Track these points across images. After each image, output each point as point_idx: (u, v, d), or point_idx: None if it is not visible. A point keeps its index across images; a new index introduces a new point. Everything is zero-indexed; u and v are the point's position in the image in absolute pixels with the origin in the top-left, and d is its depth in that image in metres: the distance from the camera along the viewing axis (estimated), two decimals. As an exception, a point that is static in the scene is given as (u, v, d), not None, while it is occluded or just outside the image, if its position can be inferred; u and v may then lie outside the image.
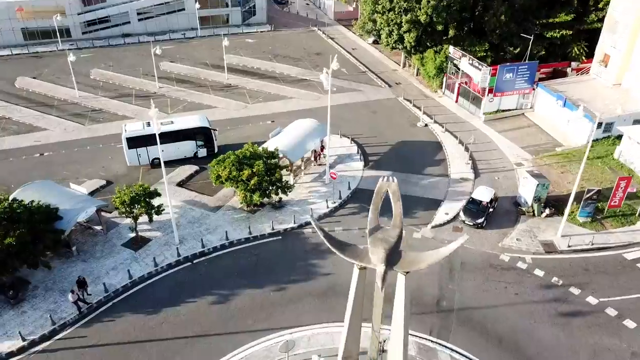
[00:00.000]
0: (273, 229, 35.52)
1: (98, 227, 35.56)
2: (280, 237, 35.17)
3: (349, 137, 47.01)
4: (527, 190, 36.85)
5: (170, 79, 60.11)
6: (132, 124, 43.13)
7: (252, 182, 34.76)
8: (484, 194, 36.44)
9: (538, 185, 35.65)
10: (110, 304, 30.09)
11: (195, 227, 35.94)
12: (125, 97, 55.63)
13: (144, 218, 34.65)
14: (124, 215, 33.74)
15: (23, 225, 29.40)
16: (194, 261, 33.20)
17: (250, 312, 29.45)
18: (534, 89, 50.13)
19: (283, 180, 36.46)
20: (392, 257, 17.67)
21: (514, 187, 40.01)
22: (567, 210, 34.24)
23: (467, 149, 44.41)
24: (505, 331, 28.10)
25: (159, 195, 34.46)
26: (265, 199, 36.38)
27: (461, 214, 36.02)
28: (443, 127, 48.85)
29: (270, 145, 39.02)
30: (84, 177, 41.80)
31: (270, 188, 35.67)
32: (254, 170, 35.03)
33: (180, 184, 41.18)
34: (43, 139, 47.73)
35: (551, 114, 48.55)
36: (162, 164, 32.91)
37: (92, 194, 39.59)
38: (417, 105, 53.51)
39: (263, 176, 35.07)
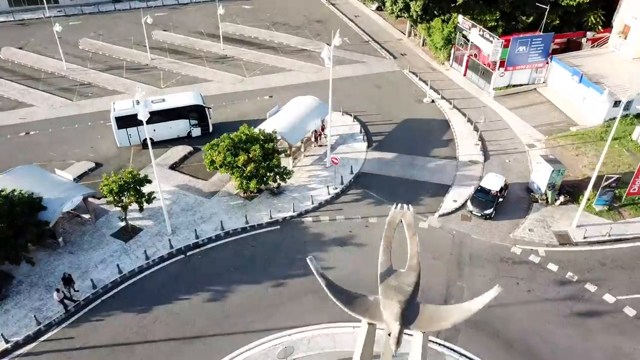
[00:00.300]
0: (271, 217, 33.57)
1: (86, 216, 33.63)
2: (278, 227, 33.25)
3: (351, 115, 44.51)
4: (540, 176, 34.67)
5: (163, 50, 57.03)
6: (121, 102, 40.57)
7: (249, 168, 32.61)
8: (493, 182, 34.23)
9: (553, 171, 33.43)
10: (98, 301, 28.42)
11: (189, 216, 33.98)
12: (115, 70, 52.76)
13: (134, 206, 32.61)
14: (112, 204, 31.75)
15: (3, 220, 27.46)
16: (188, 253, 31.39)
17: (247, 311, 27.81)
18: (547, 63, 47.23)
19: (281, 165, 34.28)
20: (409, 313, 14.79)
21: (526, 172, 37.83)
22: (584, 200, 32.15)
23: (476, 129, 41.99)
24: (517, 333, 26.50)
25: (149, 182, 32.35)
26: (263, 185, 34.32)
27: (468, 203, 33.90)
28: (451, 103, 46.24)
29: (267, 126, 36.62)
30: (72, 159, 39.64)
31: (268, 174, 33.54)
32: (250, 155, 32.83)
33: (173, 167, 39.01)
34: (29, 116, 45.27)
35: (565, 90, 45.85)
36: (150, 146, 30.31)
37: (80, 177, 37.62)
38: (423, 78, 50.74)
39: (260, 162, 32.91)
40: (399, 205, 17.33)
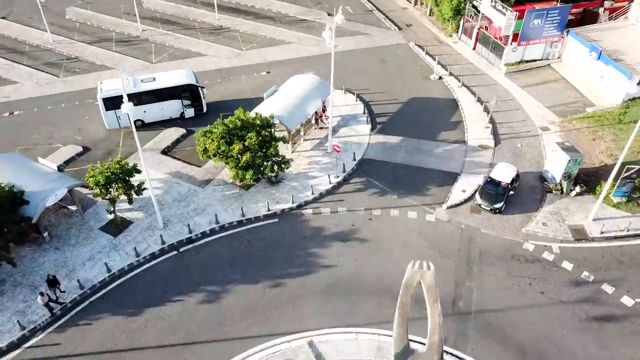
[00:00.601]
0: (269, 209, 31.62)
1: (73, 207, 31.71)
2: (276, 220, 31.34)
3: (354, 93, 41.92)
4: (555, 165, 32.49)
5: (154, 20, 53.77)
6: (108, 82, 37.90)
7: (244, 158, 30.45)
8: (504, 173, 32.00)
9: (570, 161, 31.24)
10: (86, 302, 26.77)
11: (182, 207, 32.05)
12: (104, 42, 49.75)
13: (124, 196, 30.59)
14: (99, 196, 29.77)
15: (-20, 218, 25.63)
16: (180, 249, 29.59)
17: (243, 314, 26.22)
18: (563, 37, 44.26)
19: (279, 154, 32.09)
20: None
21: (539, 157, 35.64)
22: (603, 192, 30.05)
23: (486, 110, 39.50)
24: (530, 339, 24.95)
25: (138, 172, 30.28)
26: (260, 175, 32.24)
27: (477, 196, 31.76)
28: (459, 80, 43.56)
29: (264, 109, 34.23)
30: (58, 142, 37.41)
31: (265, 164, 31.40)
32: (246, 144, 30.62)
33: (166, 151, 36.82)
34: (13, 95, 42.69)
35: (581, 66, 43.08)
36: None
37: (67, 163, 35.55)
38: (430, 52, 47.84)
39: (256, 151, 30.72)
40: (417, 263, 14.80)
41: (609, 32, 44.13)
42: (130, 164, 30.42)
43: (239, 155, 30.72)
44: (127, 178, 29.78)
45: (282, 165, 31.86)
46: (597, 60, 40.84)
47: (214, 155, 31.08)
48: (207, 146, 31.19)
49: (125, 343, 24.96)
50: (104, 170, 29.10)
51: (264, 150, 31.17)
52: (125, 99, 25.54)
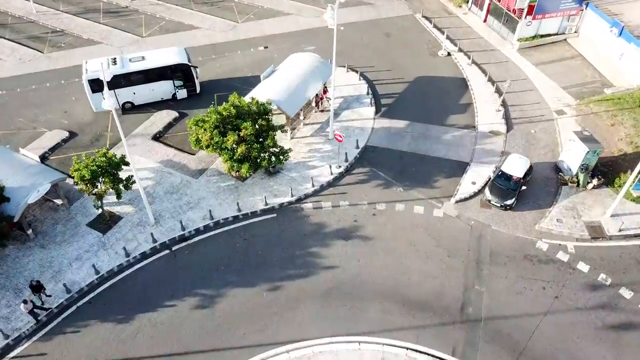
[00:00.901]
0: (266, 204, 29.79)
1: (59, 201, 29.87)
2: (274, 215, 29.55)
3: (357, 72, 39.37)
4: (572, 156, 30.42)
5: (144, -12, 50.53)
6: (94, 61, 35.24)
7: (239, 150, 28.40)
8: (516, 166, 29.86)
9: (588, 152, 29.15)
10: (73, 307, 25.29)
11: (174, 200, 30.20)
12: (91, 14, 46.81)
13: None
14: (85, 192, 27.88)
15: (-44, 220, 23.87)
16: (173, 248, 27.94)
17: (239, 320, 24.75)
18: (582, 10, 41.29)
19: (277, 145, 29.97)
20: None
21: (554, 145, 33.53)
22: (625, 186, 27.96)
23: (498, 92, 37.04)
24: (543, 350, 23.53)
25: (127, 164, 28.28)
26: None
27: (486, 191, 29.66)
28: (469, 57, 40.87)
29: (261, 93, 31.90)
30: (43, 127, 35.25)
31: (262, 156, 29.34)
32: (241, 134, 28.51)
33: (157, 137, 34.69)
34: (-5, 73, 40.31)
35: (600, 42, 40.23)
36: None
37: (52, 150, 33.49)
38: (437, 25, 44.92)
39: (252, 142, 28.64)
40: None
41: (629, 5, 41.10)
42: (118, 155, 28.44)
43: (234, 147, 28.67)
44: (114, 172, 27.86)
45: (281, 157, 29.81)
46: (618, 36, 38.07)
47: (207, 147, 29.01)
48: (199, 136, 29.09)
49: (115, 353, 23.59)
50: (90, 163, 27.17)
51: (260, 140, 29.09)
52: (106, 93, 23.28)
